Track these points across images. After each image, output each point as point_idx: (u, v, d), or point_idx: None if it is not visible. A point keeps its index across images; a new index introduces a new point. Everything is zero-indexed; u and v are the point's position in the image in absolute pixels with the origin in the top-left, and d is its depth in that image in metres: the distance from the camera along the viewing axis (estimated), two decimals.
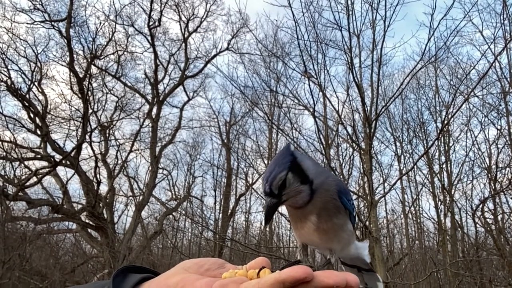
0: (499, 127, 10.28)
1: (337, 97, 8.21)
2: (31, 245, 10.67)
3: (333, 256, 0.76)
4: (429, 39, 5.01)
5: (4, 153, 11.00)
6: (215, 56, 14.26)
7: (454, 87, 10.82)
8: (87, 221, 11.87)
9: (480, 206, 9.86)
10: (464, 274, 8.32)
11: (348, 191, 0.77)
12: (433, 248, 12.45)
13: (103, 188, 12.97)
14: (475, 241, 10.58)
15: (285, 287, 0.44)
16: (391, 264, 11.55)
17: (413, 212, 13.16)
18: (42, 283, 9.98)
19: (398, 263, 12.53)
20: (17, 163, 11.16)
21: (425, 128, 12.56)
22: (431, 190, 12.09)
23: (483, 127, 10.95)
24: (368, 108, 6.08)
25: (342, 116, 8.16)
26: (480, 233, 10.73)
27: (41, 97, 12.21)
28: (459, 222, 11.58)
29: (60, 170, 12.11)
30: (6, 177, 10.69)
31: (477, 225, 10.27)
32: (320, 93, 8.14)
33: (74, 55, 11.81)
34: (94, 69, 12.75)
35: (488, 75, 8.43)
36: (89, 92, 11.73)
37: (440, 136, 9.85)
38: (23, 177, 11.00)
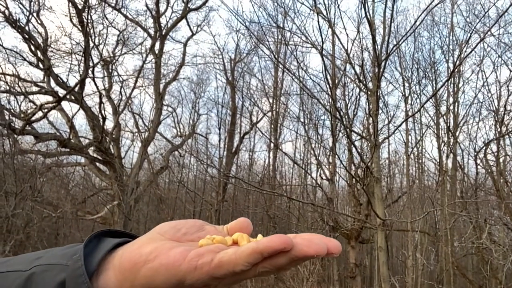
0: None
1: (347, 34, 7.89)
2: (41, 178, 11.04)
3: None
4: None
5: (8, 87, 10.92)
6: None
7: (470, 25, 10.31)
8: (95, 155, 12.12)
9: (484, 148, 9.91)
10: (460, 214, 8.59)
11: None
12: (432, 187, 12.75)
13: (109, 124, 13.08)
14: (474, 182, 10.79)
15: (263, 257, 0.44)
16: (389, 201, 11.96)
17: (415, 153, 13.29)
18: (55, 212, 10.49)
19: (396, 200, 12.96)
20: (22, 97, 11.12)
21: (436, 68, 12.22)
22: (435, 132, 12.08)
23: (495, 67, 10.63)
24: (379, 47, 5.86)
25: (351, 55, 7.91)
26: (481, 174, 10.91)
27: (40, 29, 11.83)
28: (460, 163, 11.73)
29: (65, 105, 12.13)
30: (12, 110, 10.71)
31: (478, 167, 10.41)
32: (329, 30, 7.82)
33: None
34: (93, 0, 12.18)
35: (508, 12, 7.95)
36: (89, 25, 11.31)
37: (450, 77, 9.60)
38: (29, 111, 11.02)
